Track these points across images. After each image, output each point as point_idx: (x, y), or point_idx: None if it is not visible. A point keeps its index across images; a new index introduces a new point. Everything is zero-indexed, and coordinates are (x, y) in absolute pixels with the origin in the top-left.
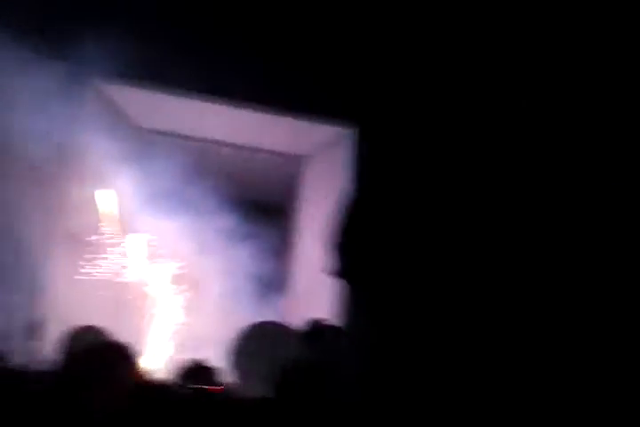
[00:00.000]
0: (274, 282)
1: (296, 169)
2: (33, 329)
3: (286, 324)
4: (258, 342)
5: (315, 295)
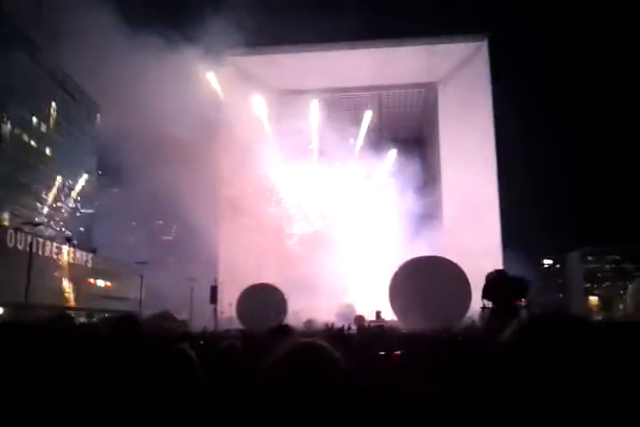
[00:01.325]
0: (425, 215)
1: (433, 97)
2: (214, 293)
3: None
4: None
5: (466, 224)
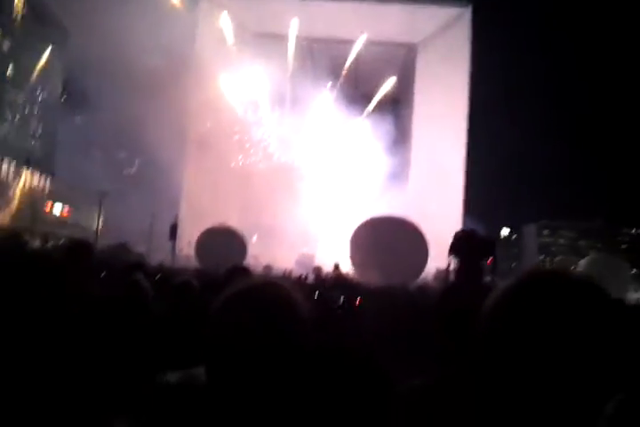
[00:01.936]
0: (392, 174)
1: (412, 58)
2: (173, 230)
3: (404, 217)
4: (375, 235)
5: (431, 187)
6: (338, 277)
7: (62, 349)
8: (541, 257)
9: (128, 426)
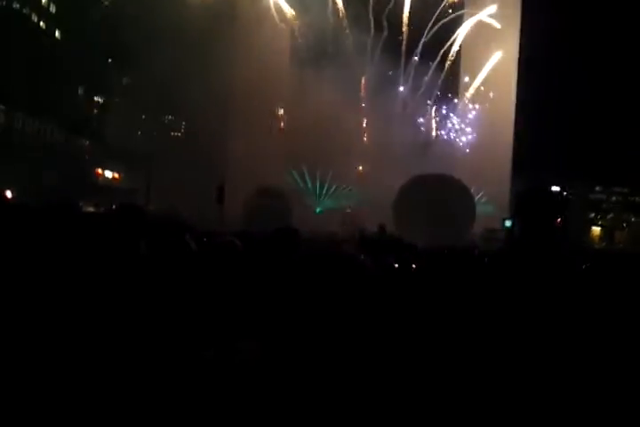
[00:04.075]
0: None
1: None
2: (220, 192)
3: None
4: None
5: (483, 141)
6: (386, 238)
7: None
8: (592, 215)
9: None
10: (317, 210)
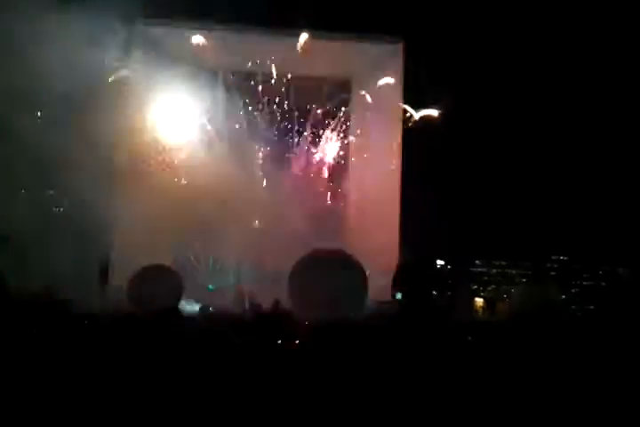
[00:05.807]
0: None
1: (346, 93)
2: (103, 273)
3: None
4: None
5: (369, 219)
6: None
7: None
8: (474, 287)
9: None
10: (209, 287)
